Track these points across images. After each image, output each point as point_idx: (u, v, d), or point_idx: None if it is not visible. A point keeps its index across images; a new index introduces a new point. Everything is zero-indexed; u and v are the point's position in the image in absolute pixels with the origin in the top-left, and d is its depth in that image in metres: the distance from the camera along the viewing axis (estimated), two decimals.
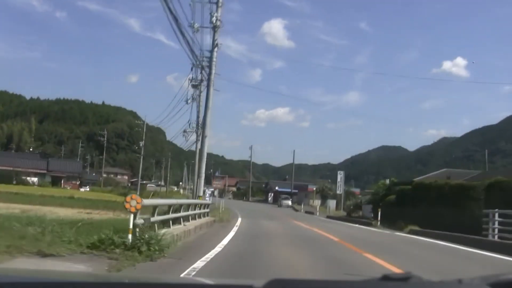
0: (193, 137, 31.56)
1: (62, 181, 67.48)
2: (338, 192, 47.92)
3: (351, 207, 40.64)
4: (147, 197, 16.10)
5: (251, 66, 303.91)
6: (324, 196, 60.06)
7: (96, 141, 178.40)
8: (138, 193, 21.60)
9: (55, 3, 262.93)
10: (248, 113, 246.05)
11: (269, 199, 76.94)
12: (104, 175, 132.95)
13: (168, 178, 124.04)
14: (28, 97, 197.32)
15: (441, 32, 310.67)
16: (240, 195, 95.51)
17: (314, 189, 59.43)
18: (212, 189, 53.59)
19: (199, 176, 22.30)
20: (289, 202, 56.40)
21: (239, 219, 24.00)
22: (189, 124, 30.07)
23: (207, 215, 20.10)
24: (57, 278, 1.71)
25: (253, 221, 23.52)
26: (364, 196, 49.02)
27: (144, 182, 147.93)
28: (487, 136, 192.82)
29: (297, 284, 1.37)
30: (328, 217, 37.92)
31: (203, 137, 21.95)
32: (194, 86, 30.43)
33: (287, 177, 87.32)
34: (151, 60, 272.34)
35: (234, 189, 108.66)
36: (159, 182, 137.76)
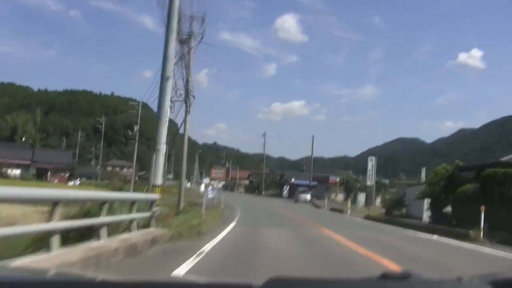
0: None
1: (49, 174, 59.19)
2: (368, 183, 38.28)
3: (391, 203, 31.03)
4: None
5: (265, 60, 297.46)
6: (348, 188, 50.44)
7: (105, 133, 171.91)
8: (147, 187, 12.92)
9: (68, 3, 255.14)
10: (263, 107, 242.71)
11: (284, 192, 67.79)
12: (109, 168, 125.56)
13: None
14: (35, 89, 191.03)
15: (456, 24, 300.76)
16: (252, 188, 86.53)
17: (338, 180, 49.84)
18: (208, 181, 44.17)
19: (156, 150, 13.02)
20: (308, 197, 47.00)
21: (231, 226, 14.91)
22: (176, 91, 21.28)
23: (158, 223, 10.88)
24: (57, 278, 1.70)
25: (252, 231, 14.26)
26: (401, 188, 39.47)
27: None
28: (506, 127, 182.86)
29: (296, 283, 1.31)
30: (367, 218, 27.57)
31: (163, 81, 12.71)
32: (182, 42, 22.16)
33: (304, 167, 77.90)
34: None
35: (247, 182, 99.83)
36: (169, 176, 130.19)
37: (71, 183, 57.97)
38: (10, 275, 1.70)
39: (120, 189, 39.07)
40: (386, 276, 1.26)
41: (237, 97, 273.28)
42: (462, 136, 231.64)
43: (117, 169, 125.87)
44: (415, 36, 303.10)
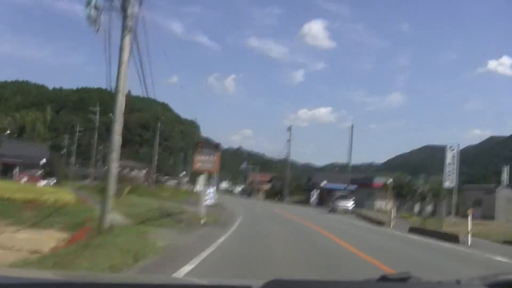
0: None
1: (17, 171, 47.47)
2: (447, 184, 24.39)
3: None
4: None
5: (292, 67, 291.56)
6: (400, 194, 36.47)
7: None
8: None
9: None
10: (290, 113, 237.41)
11: (312, 199, 54.16)
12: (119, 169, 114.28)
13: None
14: (50, 88, 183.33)
15: (486, 31, 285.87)
16: (274, 193, 73.16)
17: (390, 182, 35.80)
18: (212, 187, 31.43)
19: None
20: (349, 205, 32.75)
21: None
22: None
23: None
24: (57, 278, 1.73)
25: None
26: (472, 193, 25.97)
27: (165, 178, 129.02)
28: None
29: (296, 284, 1.34)
30: None
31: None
32: None
33: (337, 168, 63.97)
34: (192, 62, 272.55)
35: (268, 186, 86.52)
36: (184, 179, 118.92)
37: (43, 182, 45.89)
38: (10, 275, 1.68)
39: (101, 191, 27.57)
40: (386, 278, 1.26)
41: (263, 103, 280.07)
42: (492, 144, 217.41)
43: (126, 170, 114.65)
44: (443, 43, 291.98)
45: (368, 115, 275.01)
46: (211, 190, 28.80)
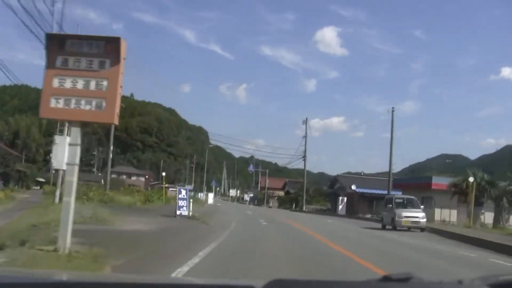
0: None
1: None
2: None
3: None
4: None
5: (305, 75, 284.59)
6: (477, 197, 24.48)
7: (117, 137, 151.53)
8: None
9: (111, 16, 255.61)
10: (302, 123, 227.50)
11: (340, 207, 42.17)
12: (114, 176, 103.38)
13: (204, 182, 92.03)
14: None
15: (500, 38, 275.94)
16: (289, 201, 61.50)
17: (471, 180, 23.65)
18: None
19: None
20: (420, 216, 19.99)
21: None
22: None
23: None
24: (57, 278, 1.73)
25: None
26: None
27: (167, 185, 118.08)
28: None
29: (297, 284, 1.33)
30: None
31: None
32: None
33: (362, 172, 52.08)
34: (204, 70, 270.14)
35: (281, 193, 74.83)
36: (186, 186, 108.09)
37: None
38: (10, 276, 1.68)
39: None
40: (388, 278, 1.26)
41: (276, 113, 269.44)
42: (508, 153, 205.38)
43: (124, 177, 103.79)
44: (457, 50, 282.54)
45: (381, 123, 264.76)
46: (185, 195, 17.98)
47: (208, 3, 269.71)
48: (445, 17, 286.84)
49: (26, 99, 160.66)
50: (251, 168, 57.50)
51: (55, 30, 17.09)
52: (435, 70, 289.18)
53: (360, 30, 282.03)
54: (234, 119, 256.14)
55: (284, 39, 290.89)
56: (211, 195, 52.02)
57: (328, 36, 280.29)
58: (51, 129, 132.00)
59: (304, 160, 52.71)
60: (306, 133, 53.12)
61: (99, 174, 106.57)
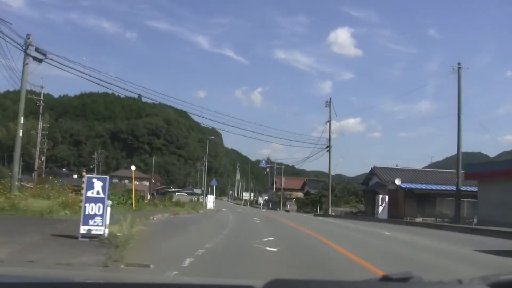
0: None
1: None
2: None
3: None
4: None
5: (320, 77, 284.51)
6: None
7: (123, 140, 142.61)
8: None
9: (125, 24, 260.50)
10: (318, 125, 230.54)
11: (379, 209, 31.66)
12: (115, 180, 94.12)
13: (204, 180, 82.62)
14: (56, 96, 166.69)
15: None
16: (310, 203, 51.07)
17: None
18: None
19: None
20: None
21: None
22: None
23: None
24: (57, 278, 1.74)
25: None
26: None
27: (173, 189, 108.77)
28: None
29: (297, 284, 1.33)
30: None
31: None
32: None
33: (396, 164, 41.34)
34: (219, 75, 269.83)
35: (300, 194, 64.41)
36: (194, 190, 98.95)
37: None
38: (10, 275, 1.69)
39: None
40: (387, 278, 1.26)
41: (291, 115, 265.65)
42: None
43: (126, 181, 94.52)
44: (473, 47, 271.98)
45: (397, 123, 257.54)
46: (100, 191, 8.63)
47: (220, 9, 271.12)
48: (459, 15, 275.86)
49: (29, 103, 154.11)
50: (263, 163, 47.22)
51: None
52: (450, 68, 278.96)
53: (374, 31, 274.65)
54: (249, 123, 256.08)
55: (297, 42, 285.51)
56: (211, 198, 42.13)
57: (342, 37, 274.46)
58: (52, 132, 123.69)
59: (329, 150, 42.28)
60: (330, 117, 42.72)
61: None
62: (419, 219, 30.74)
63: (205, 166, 50.43)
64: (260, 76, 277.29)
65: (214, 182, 45.19)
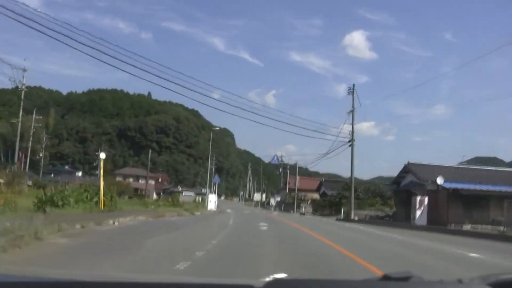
0: None
1: None
2: None
3: None
4: None
5: (335, 80, 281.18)
6: None
7: (130, 138, 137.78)
8: None
9: (140, 26, 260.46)
10: (332, 128, 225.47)
11: (416, 214, 25.27)
12: (119, 179, 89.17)
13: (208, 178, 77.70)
14: (65, 93, 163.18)
15: None
16: (326, 205, 45.02)
17: None
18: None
19: None
20: None
21: None
22: None
23: None
24: (57, 277, 1.73)
25: None
26: None
27: (180, 189, 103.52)
28: None
29: (297, 284, 1.34)
30: None
31: None
32: None
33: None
34: (234, 77, 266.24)
35: (316, 196, 58.41)
36: (203, 190, 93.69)
37: None
38: (10, 275, 1.68)
39: None
40: (387, 277, 1.26)
41: (305, 118, 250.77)
42: None
43: (130, 179, 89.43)
44: (488, 50, 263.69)
45: (412, 127, 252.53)
46: None
47: (235, 11, 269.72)
48: (474, 18, 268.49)
49: (35, 100, 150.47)
50: (274, 160, 41.23)
51: None
52: (466, 71, 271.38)
53: (389, 34, 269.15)
54: (263, 125, 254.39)
55: (312, 44, 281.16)
56: (212, 197, 36.28)
57: (357, 40, 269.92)
58: (58, 129, 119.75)
59: (352, 145, 36.21)
60: (353, 106, 36.71)
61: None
62: (467, 226, 24.60)
63: (210, 158, 44.73)
64: (274, 78, 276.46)
65: (217, 179, 39.51)
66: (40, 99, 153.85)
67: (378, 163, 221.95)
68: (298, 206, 52.80)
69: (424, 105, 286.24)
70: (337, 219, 32.95)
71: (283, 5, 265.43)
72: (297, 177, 46.55)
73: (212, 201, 35.46)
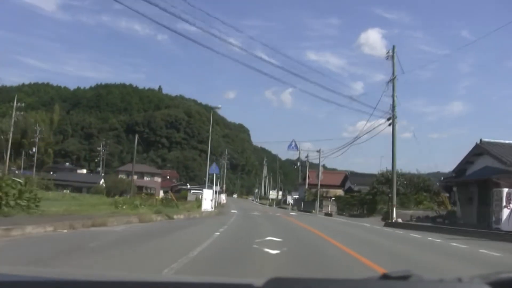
0: None
1: None
2: None
3: None
4: None
5: (351, 78, 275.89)
6: None
7: (139, 133, 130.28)
8: None
9: (156, 27, 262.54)
10: (349, 126, 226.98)
11: (502, 215, 15.96)
12: (122, 176, 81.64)
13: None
14: (72, 89, 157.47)
15: None
16: (357, 203, 36.30)
17: None
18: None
19: None
20: None
21: None
22: None
23: None
24: (57, 277, 1.71)
25: None
26: None
27: (189, 187, 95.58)
28: None
29: (296, 283, 1.31)
30: None
31: None
32: None
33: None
34: (250, 76, 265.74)
35: (339, 192, 49.89)
36: (213, 187, 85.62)
37: None
38: (10, 275, 1.68)
39: None
40: (387, 276, 1.25)
41: (322, 116, 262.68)
42: None
43: (135, 177, 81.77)
44: (507, 48, 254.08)
45: (428, 124, 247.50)
46: None
47: (252, 11, 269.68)
48: (492, 16, 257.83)
49: (43, 96, 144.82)
50: (291, 146, 32.87)
51: None
52: (483, 69, 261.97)
53: (405, 32, 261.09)
54: (280, 123, 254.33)
55: (329, 44, 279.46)
56: (207, 194, 27.68)
57: (373, 39, 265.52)
58: (63, 124, 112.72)
59: (393, 122, 27.46)
60: (393, 73, 28.14)
61: (102, 174, 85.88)
62: None
63: (210, 142, 36.39)
64: (290, 77, 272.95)
65: (213, 170, 31.18)
66: (46, 95, 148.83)
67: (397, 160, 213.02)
68: (320, 205, 44.15)
69: (441, 102, 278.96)
70: (385, 224, 24.00)
71: (299, 5, 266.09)
72: (320, 168, 37.47)
73: (208, 198, 26.95)
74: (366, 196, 35.84)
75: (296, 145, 34.81)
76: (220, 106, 31.52)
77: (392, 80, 28.33)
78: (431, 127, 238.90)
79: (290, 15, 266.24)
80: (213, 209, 27.37)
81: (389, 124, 28.42)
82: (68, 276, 1.76)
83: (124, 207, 21.85)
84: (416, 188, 32.95)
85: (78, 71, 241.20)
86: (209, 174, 32.68)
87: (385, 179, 33.23)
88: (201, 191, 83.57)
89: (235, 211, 33.99)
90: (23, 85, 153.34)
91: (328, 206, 43.53)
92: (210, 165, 32.07)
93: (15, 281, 1.44)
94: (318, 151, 39.95)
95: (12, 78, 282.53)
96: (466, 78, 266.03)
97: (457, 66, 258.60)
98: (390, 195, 30.97)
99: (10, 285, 1.37)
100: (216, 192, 68.77)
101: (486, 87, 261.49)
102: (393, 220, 26.79)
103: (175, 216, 17.95)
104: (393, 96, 28.35)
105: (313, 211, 40.84)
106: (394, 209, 27.32)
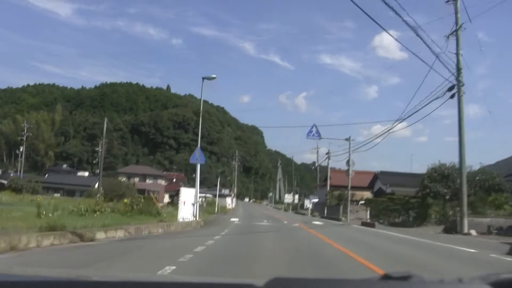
0: None
1: None
2: None
3: None
4: None
5: (366, 82, 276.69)
6: None
7: (144, 134, 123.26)
8: None
9: (171, 31, 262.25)
10: (364, 130, 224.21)
11: None
12: (123, 178, 74.11)
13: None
14: (76, 88, 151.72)
15: None
16: (396, 210, 27.67)
17: None
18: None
19: None
20: None
21: None
22: None
23: None
24: (57, 277, 1.73)
25: None
26: None
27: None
28: None
29: (297, 283, 1.32)
30: None
31: None
32: None
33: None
34: (264, 81, 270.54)
35: (367, 194, 41.65)
36: (223, 190, 78.71)
37: None
38: (10, 275, 1.69)
39: None
40: (388, 277, 1.25)
41: (337, 120, 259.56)
42: None
43: (136, 179, 74.31)
44: None
45: (444, 128, 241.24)
46: None
47: (267, 15, 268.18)
48: (507, 17, 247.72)
49: (48, 97, 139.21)
50: (311, 133, 25.04)
51: None
52: (499, 71, 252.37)
53: (420, 34, 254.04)
54: (294, 127, 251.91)
55: (343, 47, 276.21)
56: (187, 194, 19.55)
57: (387, 41, 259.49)
58: (65, 125, 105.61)
59: (459, 91, 19.14)
60: (457, 22, 19.87)
61: (99, 176, 78.48)
62: None
63: (200, 120, 28.62)
64: (305, 81, 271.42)
65: (196, 159, 22.92)
66: (51, 96, 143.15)
67: (407, 164, 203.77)
68: (345, 209, 35.76)
69: (456, 105, 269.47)
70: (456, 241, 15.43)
71: (314, 8, 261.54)
72: (351, 165, 29.21)
73: (187, 202, 18.68)
74: (411, 199, 27.35)
75: (318, 132, 26.56)
76: (214, 76, 23.25)
77: (456, 31, 20.06)
78: (447, 131, 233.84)
79: (305, 18, 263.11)
80: (195, 218, 19.39)
81: (451, 96, 20.07)
82: (68, 277, 1.71)
83: (56, 214, 14.09)
84: (481, 188, 24.39)
85: (94, 76, 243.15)
86: (200, 168, 24.63)
87: (439, 175, 24.78)
88: (208, 195, 75.29)
89: (236, 219, 26.17)
90: (28, 86, 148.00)
91: (357, 211, 35.11)
92: (194, 154, 23.96)
93: (15, 281, 1.42)
94: (348, 139, 31.49)
95: (17, 80, 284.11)
96: (482, 79, 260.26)
97: (472, 68, 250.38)
98: (447, 196, 22.52)
99: (10, 285, 1.34)
100: (224, 195, 59.56)
101: None
102: (464, 233, 18.50)
103: (99, 235, 9.85)
104: (457, 54, 20.10)
105: (343, 218, 32.48)
106: (465, 216, 18.94)
